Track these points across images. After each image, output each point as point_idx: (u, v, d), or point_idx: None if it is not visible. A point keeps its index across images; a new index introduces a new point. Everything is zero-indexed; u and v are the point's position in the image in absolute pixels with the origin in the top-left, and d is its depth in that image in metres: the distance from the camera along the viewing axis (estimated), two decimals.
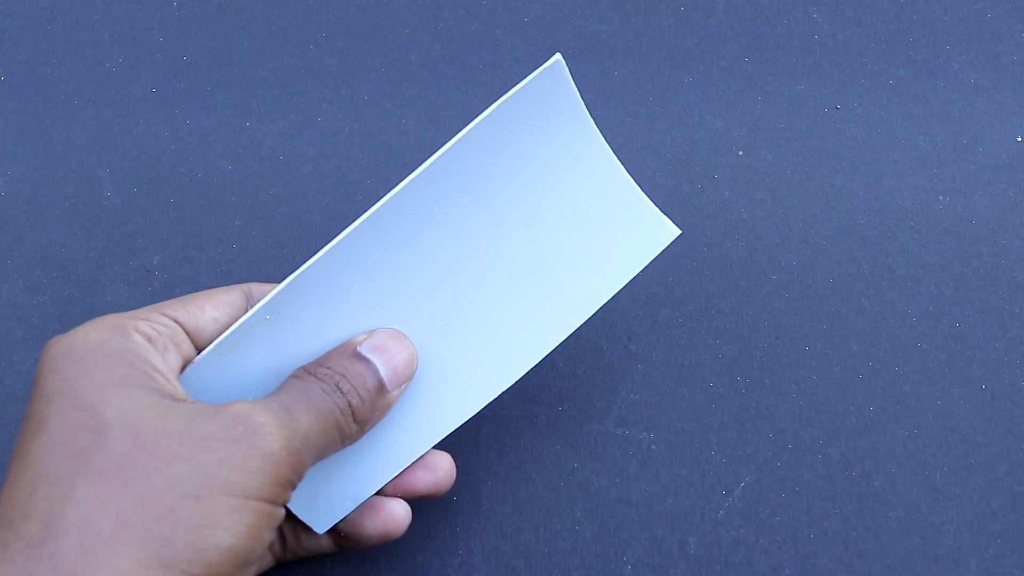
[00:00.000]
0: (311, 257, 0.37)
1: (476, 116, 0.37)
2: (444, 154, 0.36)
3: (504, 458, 0.45)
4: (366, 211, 0.37)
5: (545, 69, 0.37)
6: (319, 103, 0.55)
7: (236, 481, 0.31)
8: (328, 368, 0.36)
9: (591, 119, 0.39)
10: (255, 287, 0.38)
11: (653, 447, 0.45)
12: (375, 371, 0.36)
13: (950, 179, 0.52)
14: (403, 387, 0.38)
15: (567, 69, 0.38)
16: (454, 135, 0.37)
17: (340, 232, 0.37)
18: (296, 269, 0.37)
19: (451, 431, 0.40)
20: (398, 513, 0.39)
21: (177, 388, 0.33)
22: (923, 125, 0.54)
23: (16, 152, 0.54)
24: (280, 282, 0.37)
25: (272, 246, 0.50)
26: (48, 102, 0.55)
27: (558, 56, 0.37)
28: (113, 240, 0.51)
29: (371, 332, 0.38)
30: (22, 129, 0.54)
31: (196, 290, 0.49)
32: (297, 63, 0.56)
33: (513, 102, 0.37)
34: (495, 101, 0.37)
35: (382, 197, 0.37)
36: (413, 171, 0.37)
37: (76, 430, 0.31)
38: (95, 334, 0.33)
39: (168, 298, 0.49)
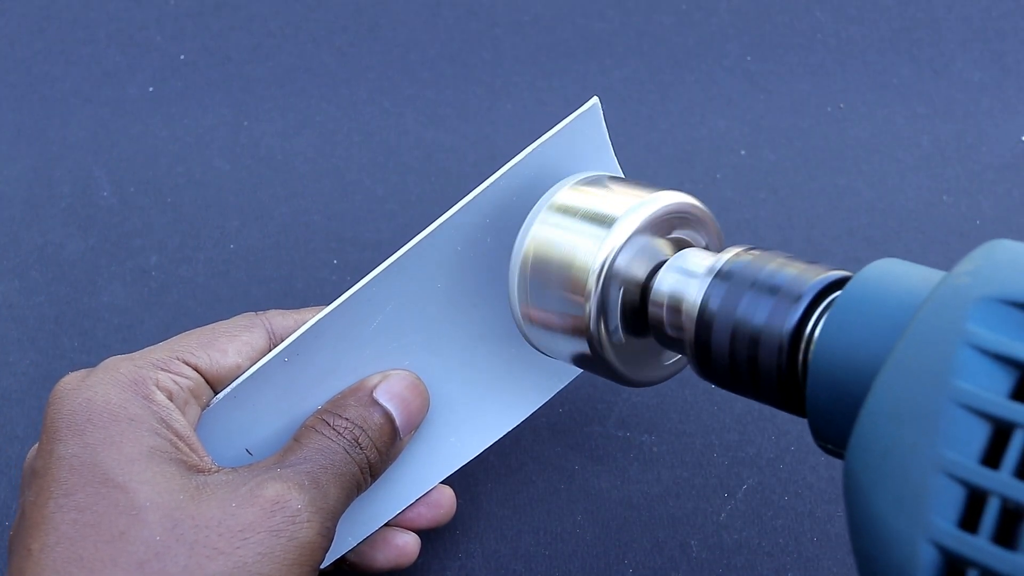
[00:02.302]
0: (330, 300, 0.36)
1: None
2: (477, 196, 0.36)
3: (504, 460, 0.44)
4: (390, 251, 0.36)
5: (582, 113, 0.36)
6: (317, 102, 0.55)
7: None
8: (347, 420, 0.35)
9: (617, 163, 0.39)
10: (276, 320, 0.37)
11: (655, 449, 0.45)
12: (391, 421, 0.36)
13: (954, 178, 0.52)
14: (413, 433, 0.37)
15: (602, 112, 0.37)
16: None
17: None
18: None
19: (456, 469, 0.39)
20: (409, 546, 0.39)
21: (201, 454, 0.33)
22: (927, 124, 0.54)
23: (12, 151, 0.53)
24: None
25: (270, 246, 0.50)
26: (44, 101, 0.55)
27: (595, 100, 0.37)
28: (110, 240, 0.50)
29: (385, 374, 0.37)
30: (18, 128, 0.54)
31: (194, 291, 0.49)
32: (295, 62, 0.56)
33: (549, 145, 0.36)
34: (524, 137, 0.36)
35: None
36: (442, 213, 0.36)
37: (109, 511, 0.30)
38: (116, 394, 0.32)
39: (165, 299, 0.48)
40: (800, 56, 0.56)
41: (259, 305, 0.48)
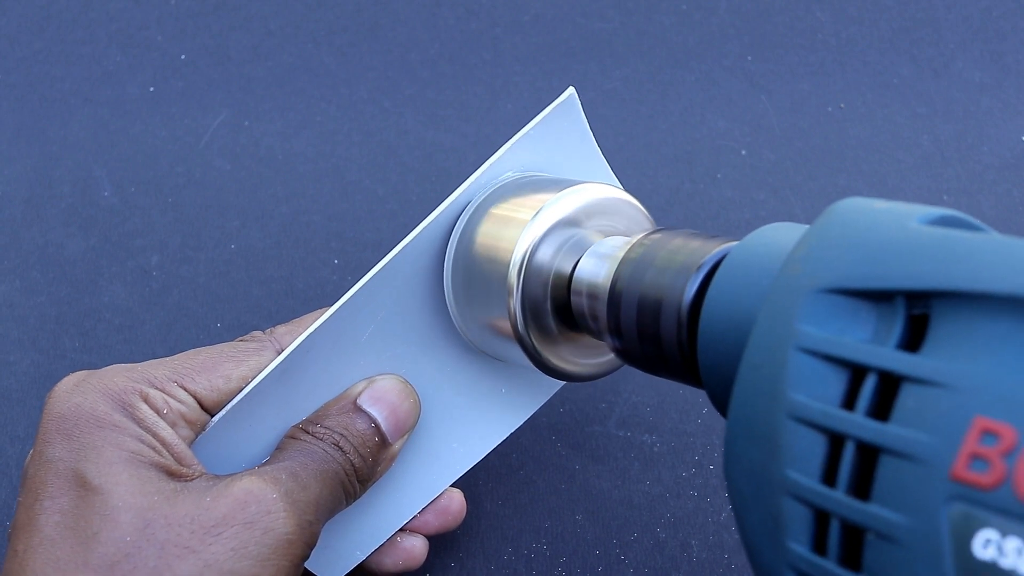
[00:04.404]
0: (324, 307, 0.35)
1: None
2: (459, 196, 0.36)
3: (505, 460, 0.44)
4: (381, 255, 0.35)
5: (559, 104, 0.37)
6: (317, 102, 0.55)
7: (249, 574, 0.30)
8: (326, 428, 0.34)
9: (599, 151, 0.39)
10: (285, 339, 0.36)
11: (655, 449, 0.45)
12: (376, 425, 0.35)
13: (954, 178, 0.52)
14: (406, 437, 0.36)
15: (579, 102, 0.37)
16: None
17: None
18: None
19: (460, 475, 0.39)
20: (416, 549, 0.39)
21: (187, 462, 0.33)
22: (927, 124, 0.54)
23: (13, 151, 0.53)
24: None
25: (271, 246, 0.50)
26: (45, 101, 0.55)
27: (571, 90, 0.37)
28: (110, 240, 0.50)
29: (371, 380, 0.36)
30: (18, 128, 0.54)
31: (194, 291, 0.48)
32: (295, 62, 0.56)
33: (528, 139, 0.36)
34: (507, 128, 0.36)
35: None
36: (429, 213, 0.36)
37: (86, 513, 0.30)
38: (103, 401, 0.32)
39: (166, 299, 0.48)
40: (800, 56, 0.56)
41: (259, 305, 0.48)
